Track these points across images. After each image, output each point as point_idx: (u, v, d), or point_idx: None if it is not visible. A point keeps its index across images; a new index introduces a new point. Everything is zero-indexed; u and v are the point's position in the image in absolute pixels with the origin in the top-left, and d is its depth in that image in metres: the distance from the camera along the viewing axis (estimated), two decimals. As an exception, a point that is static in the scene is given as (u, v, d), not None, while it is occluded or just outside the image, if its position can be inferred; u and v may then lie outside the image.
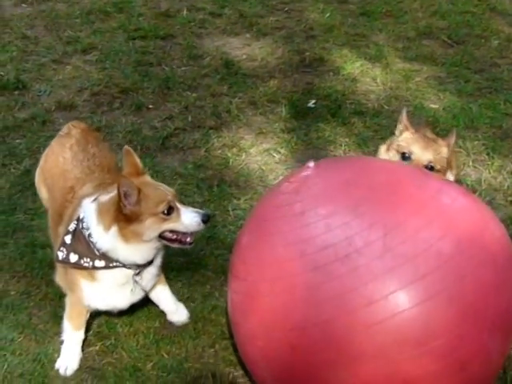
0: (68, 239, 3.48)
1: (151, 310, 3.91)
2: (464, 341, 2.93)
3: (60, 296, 3.81)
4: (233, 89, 5.93)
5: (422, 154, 3.75)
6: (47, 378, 3.59)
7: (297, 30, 6.91)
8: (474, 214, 3.18)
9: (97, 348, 3.74)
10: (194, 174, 4.97)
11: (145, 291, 3.65)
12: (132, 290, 3.57)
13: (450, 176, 3.90)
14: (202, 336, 3.79)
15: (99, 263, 3.44)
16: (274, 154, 5.20)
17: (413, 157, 3.75)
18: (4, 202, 4.68)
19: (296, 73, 6.20)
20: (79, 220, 3.49)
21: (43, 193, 4.03)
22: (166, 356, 3.69)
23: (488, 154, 5.19)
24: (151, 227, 3.38)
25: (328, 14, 7.15)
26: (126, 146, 3.58)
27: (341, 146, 5.28)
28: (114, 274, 3.49)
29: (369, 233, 2.94)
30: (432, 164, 3.74)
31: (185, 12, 7.17)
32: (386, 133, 5.00)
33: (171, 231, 3.45)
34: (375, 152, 4.16)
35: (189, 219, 3.43)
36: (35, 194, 4.23)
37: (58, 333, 3.71)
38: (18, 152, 5.16)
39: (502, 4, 7.46)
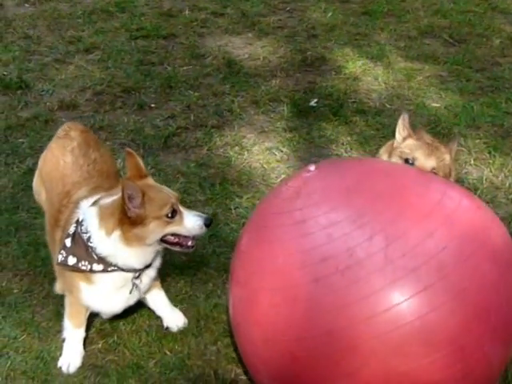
0: (68, 242, 3.46)
1: (153, 308, 3.93)
2: (466, 351, 2.90)
3: (62, 295, 3.80)
4: (235, 88, 5.93)
5: (425, 160, 3.70)
6: (50, 375, 3.59)
7: (299, 29, 6.92)
8: (478, 219, 3.12)
9: (99, 346, 3.74)
10: (197, 172, 4.97)
11: (141, 294, 3.63)
12: (131, 292, 3.55)
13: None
14: (204, 334, 3.79)
15: (97, 267, 3.42)
16: (276, 153, 5.21)
17: (416, 163, 3.71)
18: (7, 201, 4.69)
19: (298, 72, 6.21)
20: (78, 223, 3.47)
21: (41, 195, 3.96)
22: (168, 353, 3.70)
23: (489, 153, 5.19)
24: (155, 230, 3.36)
25: (330, 14, 7.16)
26: (128, 148, 3.55)
27: (343, 144, 5.29)
28: (112, 277, 3.47)
29: (370, 244, 2.88)
30: (435, 171, 3.70)
31: (187, 11, 7.19)
32: (388, 131, 5.01)
33: (173, 234, 3.43)
34: (377, 151, 4.16)
35: (191, 222, 3.41)
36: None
37: (61, 331, 3.72)
38: (20, 151, 5.16)
39: (503, 3, 7.47)
